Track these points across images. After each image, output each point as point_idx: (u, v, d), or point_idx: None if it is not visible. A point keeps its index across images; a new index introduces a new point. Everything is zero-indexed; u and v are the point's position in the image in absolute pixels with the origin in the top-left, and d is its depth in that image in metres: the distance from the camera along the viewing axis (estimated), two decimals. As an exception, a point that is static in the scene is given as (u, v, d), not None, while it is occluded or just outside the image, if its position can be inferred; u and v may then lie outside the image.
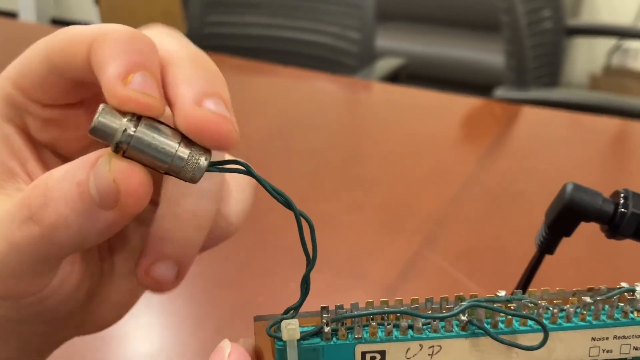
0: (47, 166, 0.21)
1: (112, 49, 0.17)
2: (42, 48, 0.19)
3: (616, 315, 0.18)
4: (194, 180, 0.17)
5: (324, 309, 0.18)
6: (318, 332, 0.18)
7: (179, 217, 0.19)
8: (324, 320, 0.17)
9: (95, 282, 0.21)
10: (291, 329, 0.17)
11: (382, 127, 0.75)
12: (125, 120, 0.16)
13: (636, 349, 0.18)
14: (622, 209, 0.20)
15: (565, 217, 0.20)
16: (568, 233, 0.21)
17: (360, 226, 0.52)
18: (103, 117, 0.16)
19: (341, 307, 0.18)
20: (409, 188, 0.59)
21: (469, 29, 2.16)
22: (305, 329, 0.18)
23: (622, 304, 0.18)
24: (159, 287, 0.19)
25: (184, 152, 0.17)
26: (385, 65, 1.15)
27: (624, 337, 0.18)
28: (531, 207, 0.55)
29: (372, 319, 0.18)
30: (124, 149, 0.16)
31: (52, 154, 0.21)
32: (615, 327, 0.18)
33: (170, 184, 0.20)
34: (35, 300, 0.19)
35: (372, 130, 0.75)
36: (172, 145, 0.17)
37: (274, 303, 0.39)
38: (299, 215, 0.18)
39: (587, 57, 2.26)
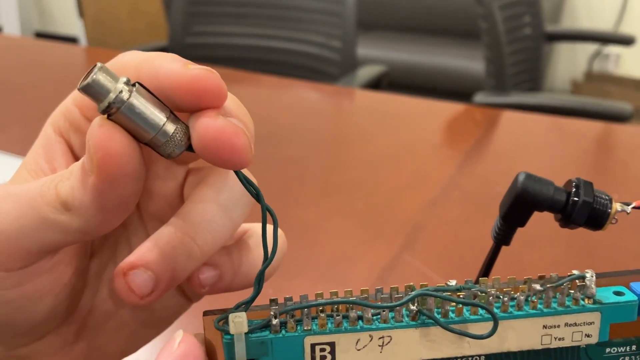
0: None
1: (164, 57, 0.18)
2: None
3: (567, 303, 0.18)
4: (171, 156, 0.17)
5: (273, 301, 0.17)
6: (266, 325, 0.17)
7: (180, 237, 0.19)
8: (272, 313, 0.17)
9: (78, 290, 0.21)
10: (238, 322, 0.17)
11: (363, 134, 0.75)
12: (121, 83, 0.16)
13: (588, 336, 0.18)
14: (574, 198, 0.20)
15: (518, 207, 0.20)
16: (522, 223, 0.21)
17: (341, 232, 0.52)
18: (100, 75, 0.16)
19: (290, 299, 0.17)
20: (389, 193, 0.59)
21: (449, 37, 2.18)
22: (255, 322, 0.18)
23: (573, 291, 0.18)
24: (129, 294, 0.18)
25: (170, 127, 0.17)
26: (367, 72, 1.16)
27: (576, 324, 0.18)
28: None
29: (322, 311, 0.17)
30: (112, 112, 0.16)
31: None
32: (566, 315, 0.18)
33: (193, 203, 0.20)
34: (17, 279, 0.19)
35: (353, 137, 0.75)
36: (160, 118, 0.17)
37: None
38: (265, 209, 0.18)
39: (568, 62, 2.29)
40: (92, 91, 0.16)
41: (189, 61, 0.18)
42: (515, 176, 0.20)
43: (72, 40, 2.59)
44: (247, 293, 0.19)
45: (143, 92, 0.16)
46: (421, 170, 0.64)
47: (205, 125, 0.17)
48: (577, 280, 0.18)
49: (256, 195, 0.18)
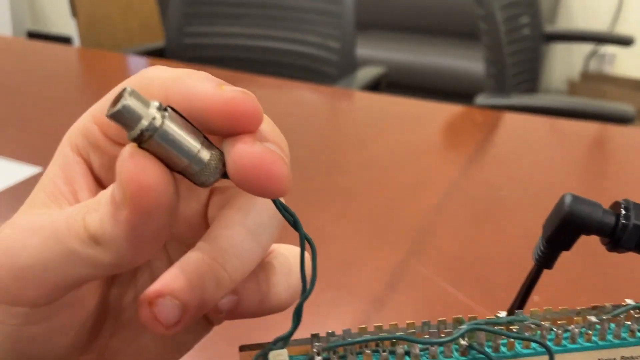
0: None
1: (195, 77, 0.17)
2: (125, 85, 0.19)
3: (623, 335, 0.17)
4: (205, 185, 0.16)
5: (315, 336, 0.16)
6: (308, 362, 0.16)
7: (209, 263, 0.18)
8: (315, 350, 0.16)
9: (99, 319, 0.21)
10: (280, 360, 0.16)
11: (364, 136, 0.74)
12: (152, 108, 0.15)
13: (644, 369, 0.17)
14: (624, 221, 0.19)
15: (564, 230, 0.19)
16: (568, 247, 0.20)
17: (345, 237, 0.51)
18: (131, 100, 0.14)
19: (333, 334, 0.16)
20: (393, 197, 0.58)
21: (448, 37, 2.17)
22: (296, 358, 0.17)
23: (629, 323, 0.17)
24: (154, 324, 0.17)
25: (205, 154, 0.16)
26: (366, 74, 1.15)
27: (632, 357, 0.17)
28: (515, 214, 0.55)
29: (366, 346, 0.16)
30: (144, 139, 0.15)
31: None
32: (622, 347, 0.17)
33: (219, 227, 0.19)
34: (44, 314, 0.18)
35: (354, 139, 0.74)
36: (194, 145, 0.15)
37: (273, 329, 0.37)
38: (303, 238, 0.17)
39: (564, 63, 2.29)
40: (123, 118, 0.15)
41: (222, 81, 0.17)
42: (560, 197, 0.19)
43: (65, 39, 2.57)
44: (269, 320, 0.18)
45: (176, 118, 0.15)
46: (424, 174, 0.63)
47: (241, 153, 0.16)
48: (632, 311, 0.17)
49: (294, 223, 0.17)
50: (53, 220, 0.17)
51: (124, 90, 0.15)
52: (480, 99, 1.01)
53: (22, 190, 0.54)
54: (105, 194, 0.16)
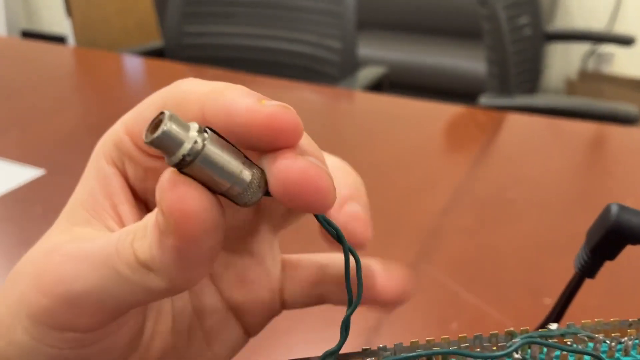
0: (140, 215, 0.20)
1: (234, 91, 0.16)
2: (158, 97, 0.18)
3: (676, 347, 0.17)
4: (247, 205, 0.15)
5: (366, 351, 0.16)
6: (361, 378, 0.16)
7: None
8: (367, 365, 0.16)
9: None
10: (333, 375, 0.15)
11: (367, 138, 0.73)
12: (193, 131, 0.14)
13: (697, 381, 0.17)
14: (671, 230, 0.19)
15: (610, 240, 0.19)
16: (612, 256, 0.20)
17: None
18: (171, 125, 0.14)
19: (385, 348, 0.16)
20: (399, 199, 0.57)
21: (451, 37, 2.17)
22: (345, 373, 0.16)
23: (682, 334, 0.17)
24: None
25: (246, 175, 0.15)
26: (368, 74, 1.15)
27: (685, 369, 0.17)
28: (523, 215, 0.55)
29: (418, 360, 0.16)
30: (185, 164, 0.14)
31: (145, 208, 0.20)
32: (675, 359, 0.17)
33: None
34: (96, 337, 0.18)
35: (357, 141, 0.74)
36: (236, 165, 0.15)
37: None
38: (347, 251, 0.16)
39: (562, 62, 2.30)
40: (163, 144, 0.14)
41: (261, 95, 0.16)
42: (605, 207, 0.19)
43: (59, 39, 2.55)
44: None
45: (216, 139, 0.15)
46: (430, 175, 0.63)
47: (285, 170, 0.15)
48: (685, 322, 0.17)
49: (337, 236, 0.17)
50: (102, 246, 0.17)
51: (162, 114, 0.14)
52: (484, 100, 1.01)
53: (26, 193, 0.53)
54: (151, 219, 0.16)
